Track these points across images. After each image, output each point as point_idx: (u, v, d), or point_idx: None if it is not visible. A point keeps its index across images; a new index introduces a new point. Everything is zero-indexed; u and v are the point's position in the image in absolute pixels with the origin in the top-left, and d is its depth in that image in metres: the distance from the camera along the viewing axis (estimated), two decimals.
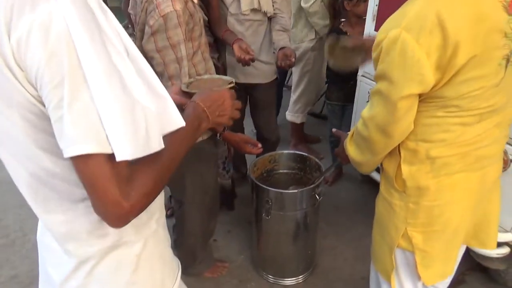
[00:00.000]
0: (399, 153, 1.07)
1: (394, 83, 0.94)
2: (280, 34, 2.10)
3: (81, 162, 0.59)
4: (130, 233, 0.77)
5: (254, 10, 2.05)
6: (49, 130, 0.62)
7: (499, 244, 1.61)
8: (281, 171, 2.07)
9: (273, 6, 2.10)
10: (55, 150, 0.64)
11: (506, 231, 1.58)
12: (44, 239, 0.82)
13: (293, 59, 2.04)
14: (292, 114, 3.00)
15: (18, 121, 0.64)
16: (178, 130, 0.72)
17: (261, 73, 2.23)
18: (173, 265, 0.93)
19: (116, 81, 0.60)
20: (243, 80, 2.22)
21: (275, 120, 2.54)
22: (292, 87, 3.01)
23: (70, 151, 0.58)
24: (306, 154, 2.03)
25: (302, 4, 2.56)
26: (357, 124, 1.12)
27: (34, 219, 0.86)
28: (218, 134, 1.68)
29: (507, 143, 1.50)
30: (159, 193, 0.69)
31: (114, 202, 0.60)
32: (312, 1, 2.50)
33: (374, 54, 0.98)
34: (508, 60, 0.92)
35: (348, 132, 1.24)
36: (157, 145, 0.65)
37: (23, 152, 0.68)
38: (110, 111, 0.59)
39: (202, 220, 1.85)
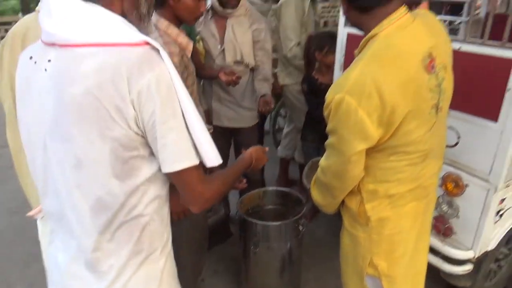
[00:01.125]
0: (360, 193, 1.21)
1: (345, 140, 1.09)
2: (261, 83, 2.34)
3: (178, 173, 0.84)
4: (158, 250, 0.93)
5: (237, 62, 2.30)
6: (126, 159, 0.82)
7: (463, 262, 1.80)
8: (265, 207, 2.22)
9: (255, 58, 2.35)
10: (123, 177, 0.83)
11: (468, 249, 1.77)
12: (72, 268, 0.92)
13: (272, 105, 2.28)
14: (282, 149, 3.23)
15: (106, 151, 0.80)
16: (237, 164, 1.13)
17: (244, 118, 2.44)
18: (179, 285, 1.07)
19: (198, 114, 0.85)
20: (227, 124, 2.43)
21: None
22: (284, 128, 3.26)
23: (173, 167, 0.83)
24: (288, 190, 2.20)
25: (283, 53, 2.90)
26: (317, 172, 1.27)
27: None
28: (207, 170, 1.83)
29: (461, 170, 1.75)
30: (224, 193, 0.99)
31: (199, 194, 0.88)
32: (291, 46, 2.83)
33: (325, 113, 1.12)
34: (437, 108, 1.13)
35: None
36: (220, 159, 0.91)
37: (98, 178, 0.83)
38: (200, 136, 0.85)
39: (191, 255, 1.93)
